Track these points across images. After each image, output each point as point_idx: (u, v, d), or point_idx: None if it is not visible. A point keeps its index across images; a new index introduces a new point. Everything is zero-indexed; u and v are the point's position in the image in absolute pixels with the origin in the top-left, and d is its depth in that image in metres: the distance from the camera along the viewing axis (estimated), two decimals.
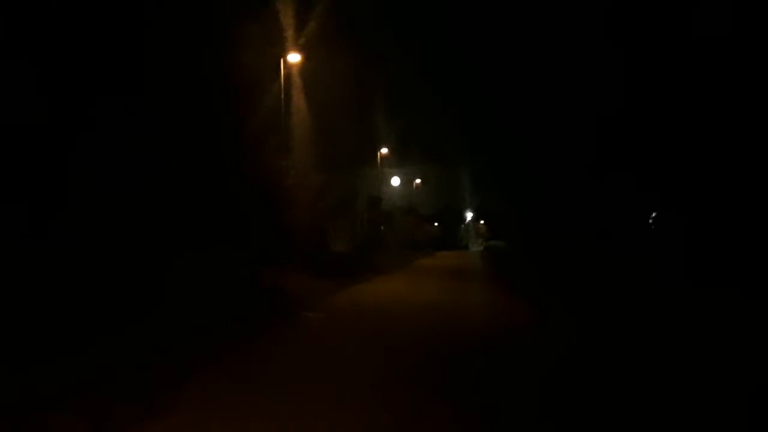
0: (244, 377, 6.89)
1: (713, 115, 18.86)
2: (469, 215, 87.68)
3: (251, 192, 15.91)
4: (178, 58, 13.34)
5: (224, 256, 13.98)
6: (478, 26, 73.34)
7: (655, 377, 7.13)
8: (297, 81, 21.03)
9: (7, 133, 10.50)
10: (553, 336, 10.15)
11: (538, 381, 6.95)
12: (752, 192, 17.92)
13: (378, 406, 5.79)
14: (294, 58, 20.58)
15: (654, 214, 25.76)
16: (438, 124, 65.68)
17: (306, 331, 10.73)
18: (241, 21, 16.17)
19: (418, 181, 56.52)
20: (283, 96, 20.18)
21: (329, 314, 12.40)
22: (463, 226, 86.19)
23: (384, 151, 41.09)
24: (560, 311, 13.26)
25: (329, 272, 19.35)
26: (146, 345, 8.10)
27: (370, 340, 9.53)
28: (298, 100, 21.07)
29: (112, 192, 11.90)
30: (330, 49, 20.90)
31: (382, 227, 41.53)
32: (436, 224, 69.12)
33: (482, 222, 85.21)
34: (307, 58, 20.71)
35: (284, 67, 20.39)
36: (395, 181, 48.73)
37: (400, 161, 46.68)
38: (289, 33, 20.11)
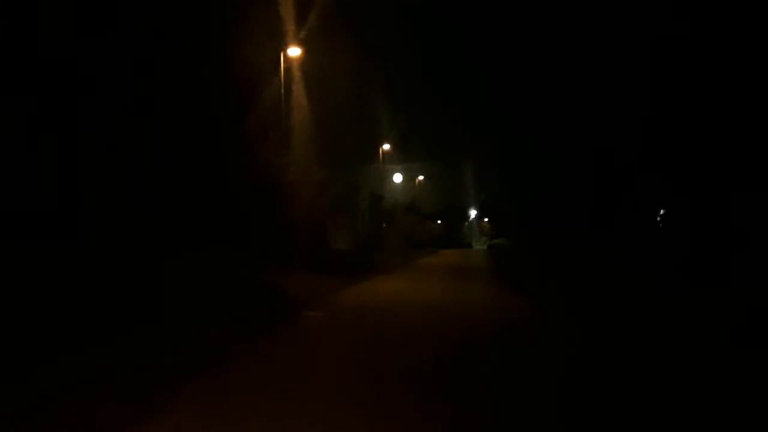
0: (244, 377, 6.91)
1: (723, 110, 18.63)
2: (472, 213, 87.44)
3: (251, 189, 15.79)
4: (176, 53, 13.19)
5: (224, 255, 13.92)
6: (485, 21, 73.22)
7: (655, 377, 7.06)
8: (297, 75, 20.75)
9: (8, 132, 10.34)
10: (556, 336, 10.03)
11: (542, 381, 6.87)
12: (763, 188, 17.65)
13: (378, 406, 5.76)
14: (294, 51, 20.31)
15: (662, 212, 25.49)
16: (441, 119, 65.31)
17: (306, 331, 10.81)
18: (240, 14, 15.96)
19: (421, 177, 55.71)
20: (283, 91, 19.95)
21: (330, 313, 12.47)
22: (466, 224, 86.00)
23: (386, 147, 40.71)
24: (565, 311, 13.16)
25: (330, 270, 19.16)
26: (146, 345, 8.10)
27: (371, 339, 9.55)
28: (299, 94, 20.78)
29: (111, 191, 11.79)
30: (331, 43, 20.65)
31: (384, 225, 41.21)
32: (439, 222, 68.83)
33: (486, 220, 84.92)
34: (307, 52, 20.44)
35: (284, 61, 20.14)
36: (397, 177, 48.23)
37: (402, 157, 46.25)
38: (290, 26, 19.86)
